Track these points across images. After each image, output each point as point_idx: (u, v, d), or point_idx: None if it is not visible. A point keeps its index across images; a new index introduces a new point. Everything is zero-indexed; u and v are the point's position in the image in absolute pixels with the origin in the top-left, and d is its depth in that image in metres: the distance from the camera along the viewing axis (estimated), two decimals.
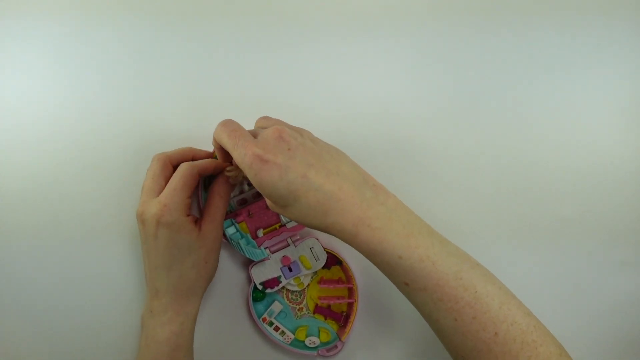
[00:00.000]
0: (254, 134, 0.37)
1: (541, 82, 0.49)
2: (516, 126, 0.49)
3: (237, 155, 0.36)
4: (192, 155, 0.44)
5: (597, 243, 0.49)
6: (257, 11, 0.48)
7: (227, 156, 0.41)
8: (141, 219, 0.40)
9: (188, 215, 0.41)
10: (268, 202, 0.38)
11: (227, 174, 0.43)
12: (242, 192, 0.46)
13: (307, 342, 0.46)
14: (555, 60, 0.49)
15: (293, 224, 0.46)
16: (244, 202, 0.46)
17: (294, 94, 0.48)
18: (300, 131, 0.38)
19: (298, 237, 0.46)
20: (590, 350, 0.48)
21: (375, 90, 0.49)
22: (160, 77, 0.47)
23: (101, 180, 0.47)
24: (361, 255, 0.47)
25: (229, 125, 0.37)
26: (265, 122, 0.41)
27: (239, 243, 0.45)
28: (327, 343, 0.46)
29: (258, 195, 0.46)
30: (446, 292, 0.35)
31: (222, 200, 0.43)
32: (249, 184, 0.46)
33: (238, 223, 0.45)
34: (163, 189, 0.40)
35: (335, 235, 0.36)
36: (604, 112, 0.49)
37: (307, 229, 0.47)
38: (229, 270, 0.47)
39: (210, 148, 0.46)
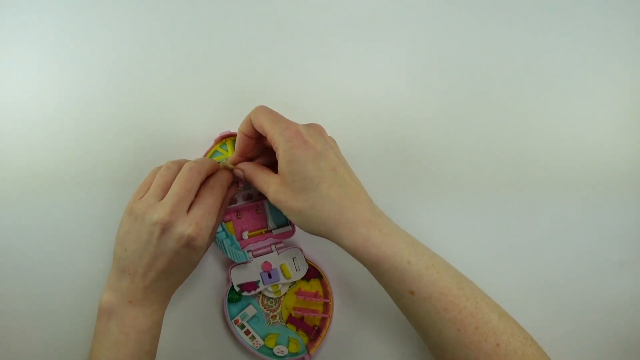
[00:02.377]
0: None
1: (541, 81, 0.49)
2: (516, 126, 0.49)
3: (278, 128, 0.37)
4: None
5: (597, 243, 0.49)
6: (257, 12, 0.49)
7: (247, 147, 0.41)
8: (164, 227, 0.38)
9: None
10: (275, 188, 0.38)
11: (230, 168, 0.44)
12: None
13: (275, 350, 0.46)
14: (555, 58, 0.49)
15: (279, 230, 0.46)
16: (233, 202, 0.46)
17: (294, 94, 0.49)
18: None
19: (282, 245, 0.46)
20: (591, 350, 0.48)
21: (374, 89, 0.49)
22: (160, 76, 0.48)
23: (101, 179, 0.48)
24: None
25: (268, 108, 0.39)
26: None
27: (223, 242, 0.45)
28: (295, 354, 0.46)
29: (248, 198, 0.46)
30: (450, 301, 0.36)
31: (221, 217, 0.43)
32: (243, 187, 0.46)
33: (225, 222, 0.46)
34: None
35: (342, 237, 0.37)
36: (605, 112, 0.49)
37: (292, 238, 0.47)
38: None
39: (206, 145, 0.47)
